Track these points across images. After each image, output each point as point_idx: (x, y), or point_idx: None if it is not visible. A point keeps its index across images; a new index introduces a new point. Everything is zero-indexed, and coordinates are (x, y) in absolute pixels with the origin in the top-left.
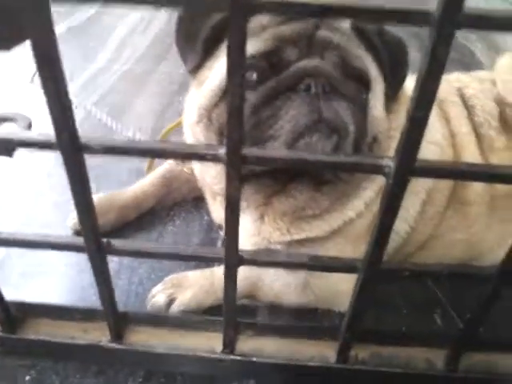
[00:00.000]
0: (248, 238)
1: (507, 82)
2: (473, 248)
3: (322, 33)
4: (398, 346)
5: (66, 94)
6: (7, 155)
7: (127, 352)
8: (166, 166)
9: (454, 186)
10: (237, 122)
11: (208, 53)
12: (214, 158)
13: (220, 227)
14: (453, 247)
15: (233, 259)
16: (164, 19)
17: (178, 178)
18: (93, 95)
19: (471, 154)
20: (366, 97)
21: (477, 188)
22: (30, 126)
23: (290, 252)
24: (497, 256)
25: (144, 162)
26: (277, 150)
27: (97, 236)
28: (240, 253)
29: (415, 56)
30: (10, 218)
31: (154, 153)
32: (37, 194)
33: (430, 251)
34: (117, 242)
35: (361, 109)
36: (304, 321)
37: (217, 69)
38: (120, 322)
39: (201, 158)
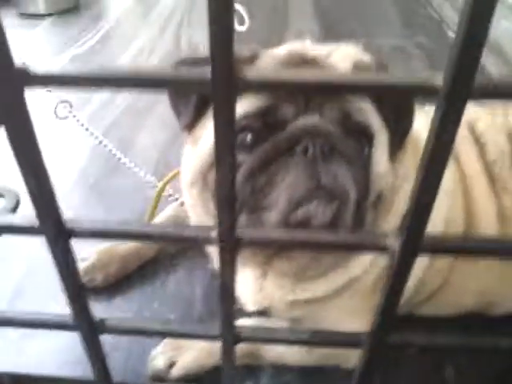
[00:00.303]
0: (250, 296)
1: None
2: (485, 297)
3: None
4: None
5: (48, 180)
6: None
7: None
8: (169, 212)
9: (463, 233)
10: (228, 206)
11: (202, 109)
12: (207, 241)
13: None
14: (464, 296)
15: (229, 338)
16: (166, 49)
17: (186, 222)
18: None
19: (483, 198)
20: (369, 152)
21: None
22: (18, 203)
23: (290, 328)
24: (510, 306)
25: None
26: (272, 230)
27: (89, 317)
28: (237, 331)
29: (417, 65)
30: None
31: (142, 237)
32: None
33: (441, 300)
34: (110, 321)
35: (363, 166)
36: (310, 381)
37: (210, 129)
38: None
39: (192, 240)
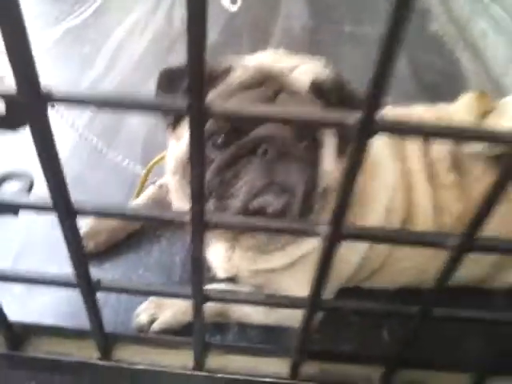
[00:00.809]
0: (221, 265)
1: (458, 116)
2: (422, 274)
3: (282, 97)
4: (343, 363)
5: (61, 171)
6: (14, 215)
7: (113, 368)
8: (153, 190)
9: (403, 220)
10: (198, 198)
11: None
12: (181, 223)
13: None
14: (403, 273)
15: (198, 298)
16: (159, 25)
17: (164, 201)
18: (82, 117)
19: (423, 191)
20: (318, 153)
21: (423, 223)
22: (31, 185)
23: (250, 291)
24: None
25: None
26: (233, 217)
27: (88, 278)
28: (206, 292)
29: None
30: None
31: (132, 217)
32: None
33: (382, 277)
34: (105, 281)
35: (311, 165)
36: (272, 338)
37: None
38: (107, 341)
39: (169, 222)
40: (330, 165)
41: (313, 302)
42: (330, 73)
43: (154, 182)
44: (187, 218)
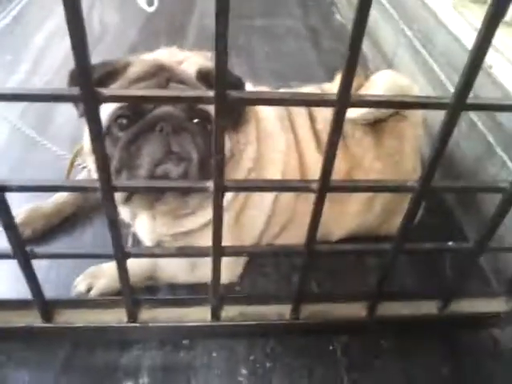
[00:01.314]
0: (147, 234)
1: None
2: (322, 228)
3: (172, 85)
4: (257, 305)
5: None
6: None
7: (56, 329)
8: (84, 173)
9: (300, 178)
10: (103, 167)
11: None
12: (94, 190)
13: (128, 225)
14: (306, 230)
15: (119, 255)
16: None
17: (76, 179)
18: (16, 107)
19: (311, 156)
20: (211, 128)
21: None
22: None
23: (163, 246)
24: (342, 230)
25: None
26: (138, 181)
27: (23, 248)
28: (126, 249)
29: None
30: None
31: (53, 188)
32: None
33: (290, 232)
34: (39, 249)
35: (204, 138)
36: (197, 292)
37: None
38: (47, 307)
39: (83, 189)
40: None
41: (216, 251)
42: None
43: (84, 167)
44: (97, 184)
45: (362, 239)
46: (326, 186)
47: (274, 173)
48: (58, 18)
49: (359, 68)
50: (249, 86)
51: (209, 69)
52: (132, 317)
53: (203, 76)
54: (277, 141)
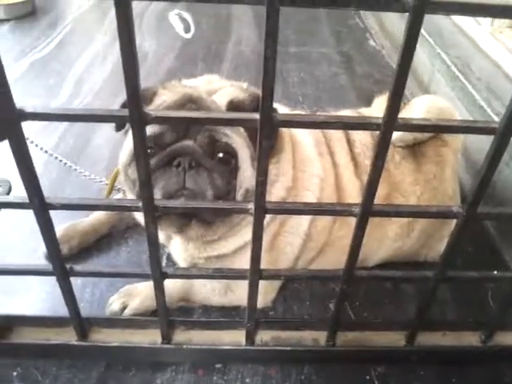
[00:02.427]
0: (180, 256)
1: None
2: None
3: None
4: (291, 330)
5: (35, 173)
6: None
7: (91, 348)
8: (119, 195)
9: (337, 201)
10: (147, 185)
11: None
12: (137, 209)
13: (163, 245)
14: (344, 252)
15: (157, 275)
16: (119, 55)
17: (119, 199)
18: (53, 135)
19: (349, 181)
20: (236, 162)
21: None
22: (10, 189)
23: (201, 267)
24: (379, 255)
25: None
26: (177, 201)
27: (62, 264)
28: (164, 270)
29: (336, 71)
30: None
31: (95, 207)
32: (14, 224)
33: (326, 257)
34: (77, 267)
35: (224, 175)
36: (230, 315)
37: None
38: (83, 325)
39: (126, 209)
40: (249, 171)
41: (254, 273)
42: (248, 93)
43: (119, 189)
44: (140, 203)
45: (399, 265)
46: (368, 210)
47: (308, 199)
48: (98, 44)
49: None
50: (285, 110)
51: (240, 99)
52: (166, 338)
53: (234, 107)
54: (313, 166)
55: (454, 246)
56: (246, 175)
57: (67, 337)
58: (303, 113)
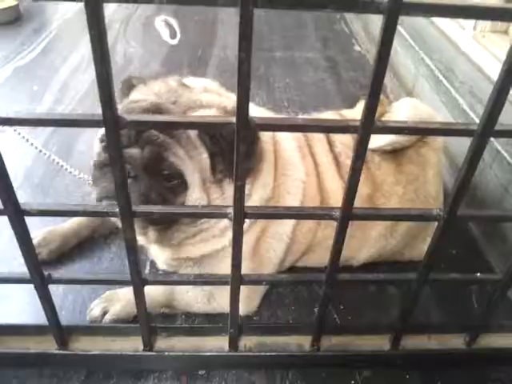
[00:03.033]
0: (159, 258)
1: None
2: (344, 252)
3: (152, 132)
4: (276, 335)
5: (8, 178)
6: None
7: (71, 356)
8: None
9: (321, 204)
10: (123, 190)
11: None
12: (114, 214)
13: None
14: (327, 253)
15: (136, 280)
16: None
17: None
18: (40, 136)
19: (331, 179)
20: (183, 183)
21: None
22: None
23: (182, 274)
24: (363, 255)
25: None
26: (156, 206)
27: (40, 272)
28: (144, 276)
29: (322, 75)
30: None
31: (71, 213)
32: None
33: (311, 256)
34: (56, 274)
35: (170, 191)
36: (213, 321)
37: None
38: (63, 333)
39: (104, 214)
40: (194, 193)
41: (235, 278)
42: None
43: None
44: (117, 209)
45: (384, 267)
46: (348, 214)
47: (292, 203)
48: (82, 51)
49: (382, 95)
50: (270, 115)
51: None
52: (148, 345)
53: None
54: (295, 169)
55: (435, 248)
56: (192, 198)
57: (47, 345)
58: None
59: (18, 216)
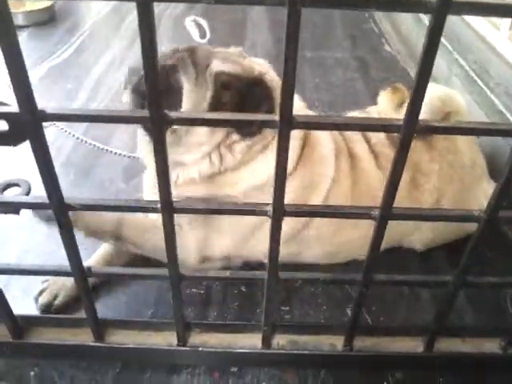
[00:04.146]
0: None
1: (384, 111)
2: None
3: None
4: (308, 334)
5: (55, 173)
6: (15, 213)
7: (107, 349)
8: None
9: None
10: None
11: None
12: (154, 210)
13: None
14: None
15: (174, 276)
16: (135, 60)
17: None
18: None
19: (367, 166)
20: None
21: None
22: (30, 190)
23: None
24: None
25: None
26: None
27: (80, 265)
28: (180, 271)
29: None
30: (9, 249)
31: (112, 209)
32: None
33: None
34: (95, 268)
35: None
36: (245, 318)
37: None
38: (100, 326)
39: (144, 210)
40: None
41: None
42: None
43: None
44: (158, 205)
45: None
46: (387, 214)
47: (318, 196)
48: (114, 50)
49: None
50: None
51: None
52: (182, 340)
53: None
54: (327, 165)
55: (473, 250)
56: None
57: (84, 337)
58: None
59: (62, 210)
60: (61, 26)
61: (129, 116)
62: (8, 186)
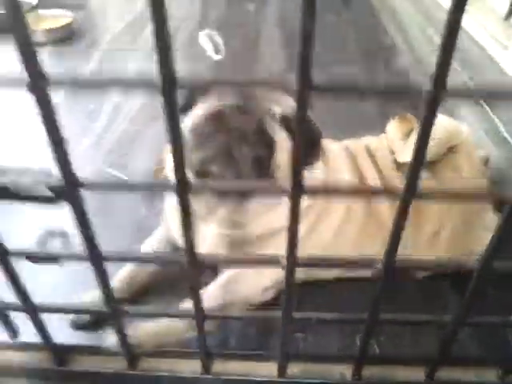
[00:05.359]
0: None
1: (392, 140)
2: None
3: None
4: (320, 363)
5: (92, 232)
6: (56, 263)
7: (139, 376)
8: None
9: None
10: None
11: None
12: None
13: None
14: None
15: (200, 316)
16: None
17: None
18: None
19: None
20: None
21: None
22: (68, 241)
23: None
24: None
25: None
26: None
27: (113, 298)
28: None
29: None
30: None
31: (146, 260)
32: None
33: None
34: (130, 309)
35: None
36: (263, 347)
37: None
38: (133, 354)
39: (176, 263)
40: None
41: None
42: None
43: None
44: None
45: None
46: (390, 266)
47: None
48: (132, 63)
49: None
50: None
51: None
52: (206, 368)
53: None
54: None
55: (473, 295)
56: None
57: (119, 365)
58: (330, 142)
59: (99, 262)
60: (79, 44)
61: (159, 184)
62: (49, 235)
